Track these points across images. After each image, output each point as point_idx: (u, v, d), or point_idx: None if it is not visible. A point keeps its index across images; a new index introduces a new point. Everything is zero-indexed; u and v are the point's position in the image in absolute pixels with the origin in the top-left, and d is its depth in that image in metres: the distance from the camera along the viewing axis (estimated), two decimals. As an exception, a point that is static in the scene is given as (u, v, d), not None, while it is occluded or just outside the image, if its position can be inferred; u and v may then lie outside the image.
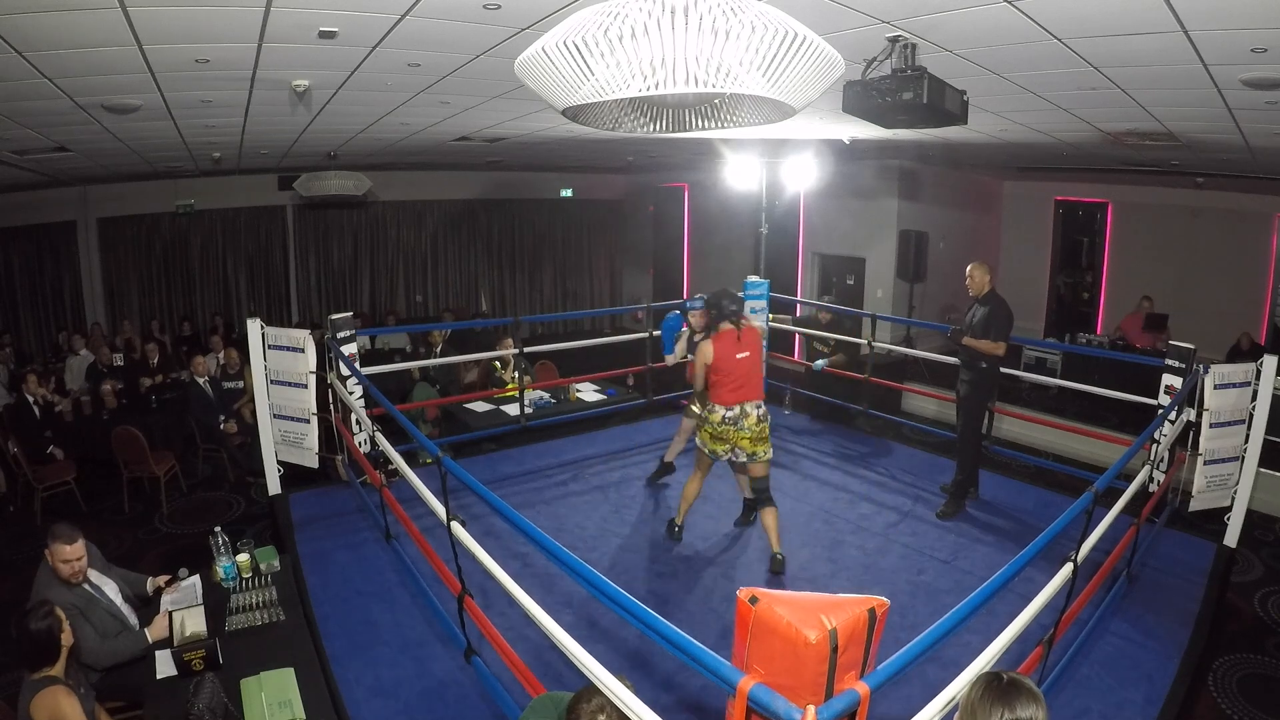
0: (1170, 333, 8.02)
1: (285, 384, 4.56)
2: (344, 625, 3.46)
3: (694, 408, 4.53)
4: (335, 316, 4.94)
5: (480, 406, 6.06)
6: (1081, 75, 3.60)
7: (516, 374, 6.09)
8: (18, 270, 9.26)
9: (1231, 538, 4.11)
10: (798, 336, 7.70)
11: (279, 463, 4.62)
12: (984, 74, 3.70)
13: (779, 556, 3.99)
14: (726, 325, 3.97)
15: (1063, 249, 10.67)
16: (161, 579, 3.37)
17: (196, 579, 3.29)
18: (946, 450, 5.51)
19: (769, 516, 4.03)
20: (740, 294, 4.41)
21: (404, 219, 11.88)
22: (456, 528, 2.74)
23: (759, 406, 3.99)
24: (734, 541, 4.36)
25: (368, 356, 7.90)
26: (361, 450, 4.59)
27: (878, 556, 4.22)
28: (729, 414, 3.96)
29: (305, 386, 4.53)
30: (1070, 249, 10.63)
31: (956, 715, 1.57)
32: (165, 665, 2.75)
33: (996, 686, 1.47)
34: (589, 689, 1.88)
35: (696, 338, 4.74)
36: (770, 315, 6.68)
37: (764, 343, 4.21)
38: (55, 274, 9.54)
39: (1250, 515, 4.28)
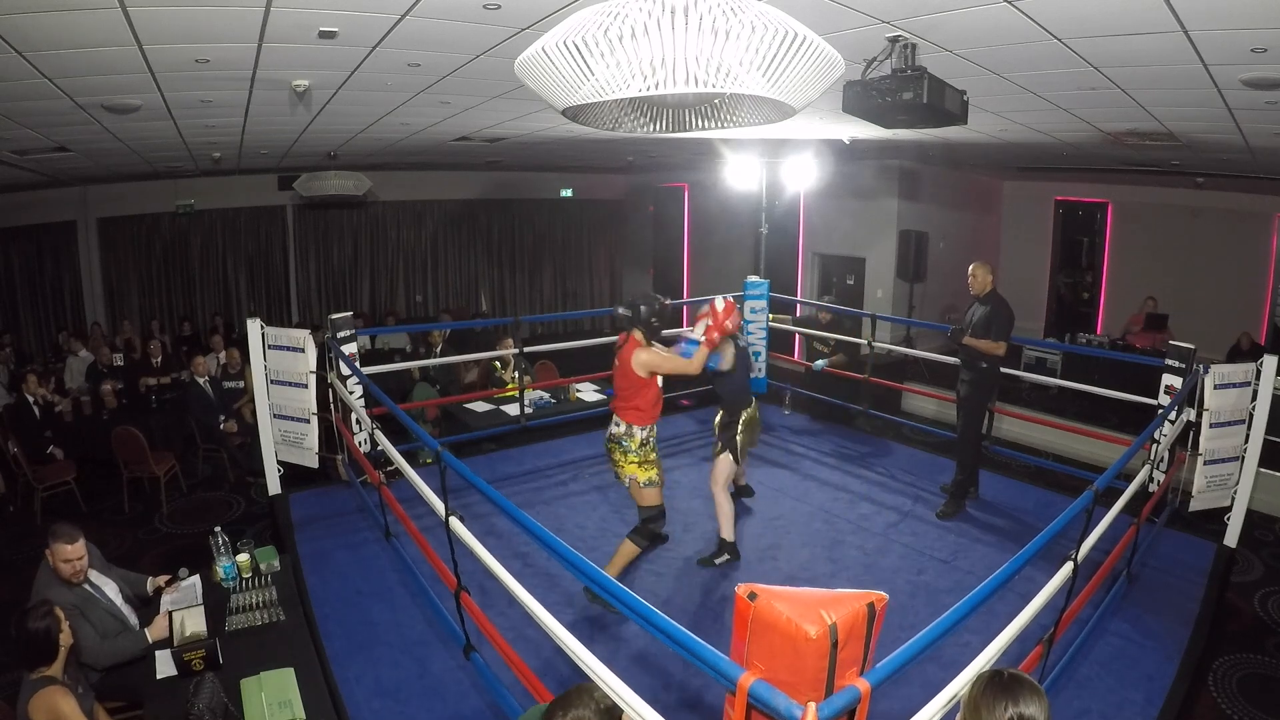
0: (1171, 333, 8.03)
1: (285, 384, 4.56)
2: (344, 625, 3.46)
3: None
4: (335, 316, 4.94)
5: (480, 406, 6.06)
6: (1081, 75, 3.60)
7: (516, 374, 6.09)
8: (18, 270, 9.27)
9: (1231, 538, 4.11)
10: (798, 336, 7.70)
11: (279, 463, 4.62)
12: (984, 74, 3.71)
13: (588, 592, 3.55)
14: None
15: (1063, 249, 10.67)
16: (161, 579, 3.37)
17: (196, 579, 3.29)
18: (946, 450, 5.51)
19: (624, 545, 3.62)
20: (657, 300, 3.68)
21: (404, 219, 11.88)
22: (455, 523, 2.74)
23: (616, 425, 3.60)
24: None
25: (368, 356, 7.89)
26: (361, 450, 4.59)
27: (878, 556, 4.21)
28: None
29: (305, 386, 4.53)
30: (1070, 249, 10.63)
31: (959, 715, 1.57)
32: (165, 665, 2.74)
33: (999, 682, 1.48)
34: (568, 696, 1.70)
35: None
36: (770, 315, 6.68)
37: (638, 361, 3.55)
38: (55, 274, 9.55)
39: (1250, 515, 4.28)
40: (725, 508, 4.07)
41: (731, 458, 4.07)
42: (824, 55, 1.56)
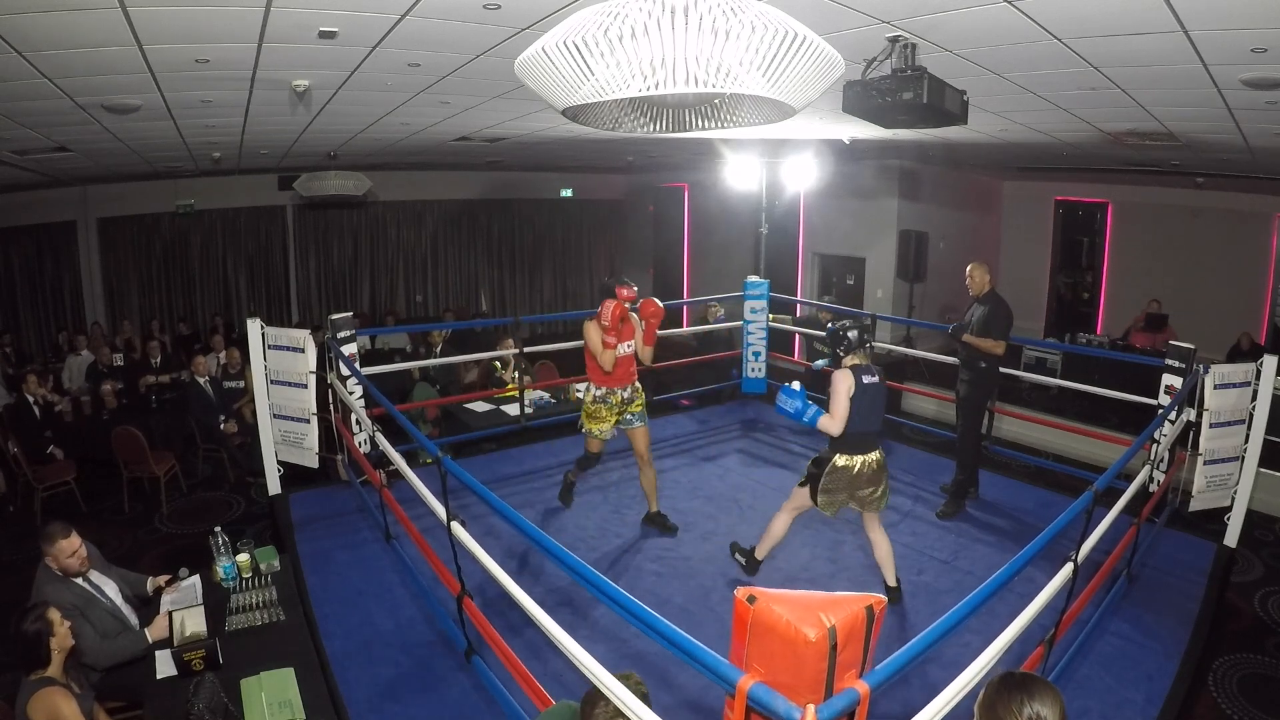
0: (1173, 331, 8.02)
1: (285, 384, 4.56)
2: (344, 625, 3.46)
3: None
4: (335, 316, 4.93)
5: (480, 406, 6.06)
6: (1081, 75, 3.60)
7: (516, 374, 6.09)
8: (18, 270, 9.27)
9: (1231, 538, 4.10)
10: (798, 336, 7.71)
11: (279, 463, 4.62)
12: (984, 74, 3.71)
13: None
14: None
15: (1063, 249, 10.68)
16: (161, 579, 3.38)
17: (196, 579, 3.29)
18: (946, 450, 5.51)
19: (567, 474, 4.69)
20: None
21: (404, 219, 11.88)
22: (456, 528, 2.74)
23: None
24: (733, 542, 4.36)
25: (368, 356, 7.90)
26: (361, 450, 4.59)
27: (878, 556, 4.21)
28: None
29: (305, 386, 4.53)
30: (1070, 249, 10.63)
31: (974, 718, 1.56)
32: (165, 665, 2.74)
33: (1012, 681, 1.48)
34: (599, 692, 1.88)
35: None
36: (770, 315, 6.68)
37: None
38: (55, 274, 9.55)
39: (1250, 515, 4.27)
40: (773, 532, 3.77)
41: (809, 494, 3.57)
42: (824, 55, 1.56)
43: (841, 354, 3.52)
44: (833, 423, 3.40)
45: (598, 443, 4.30)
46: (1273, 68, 3.15)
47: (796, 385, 3.50)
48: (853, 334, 3.48)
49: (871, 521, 3.66)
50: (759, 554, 3.89)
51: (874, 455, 3.51)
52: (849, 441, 3.47)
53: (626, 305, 4.05)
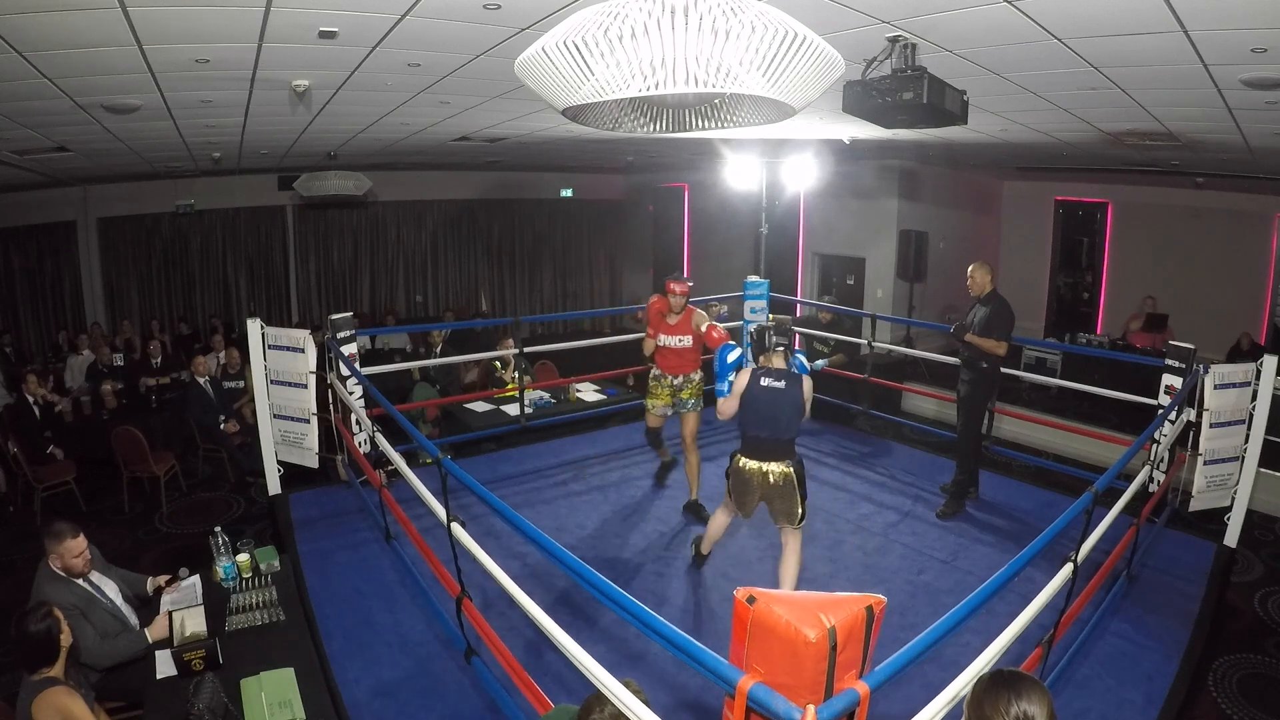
0: (1172, 332, 8.02)
1: (285, 384, 4.56)
2: (344, 625, 3.46)
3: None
4: (335, 316, 4.94)
5: (480, 406, 6.06)
6: (1081, 75, 3.60)
7: (516, 374, 6.09)
8: (18, 270, 9.27)
9: (1231, 538, 4.10)
10: (797, 336, 7.70)
11: (279, 463, 4.62)
12: (984, 74, 3.71)
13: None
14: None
15: (1063, 249, 10.66)
16: (161, 579, 3.37)
17: (196, 579, 3.29)
18: (946, 450, 5.51)
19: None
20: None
21: (404, 219, 11.88)
22: (456, 529, 2.74)
23: None
24: (733, 540, 4.36)
25: (368, 356, 7.89)
26: (361, 450, 4.59)
27: (878, 556, 4.21)
28: None
29: (305, 386, 4.53)
30: (1070, 249, 10.62)
31: (964, 716, 1.56)
32: (165, 665, 2.75)
33: (1001, 679, 1.48)
34: (599, 695, 1.88)
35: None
36: (770, 315, 6.68)
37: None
38: (55, 274, 9.55)
39: (1250, 515, 4.27)
40: (709, 528, 3.95)
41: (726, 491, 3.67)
42: (824, 55, 1.56)
43: (755, 352, 3.58)
44: (722, 406, 3.63)
45: (655, 418, 4.68)
46: (1273, 68, 3.15)
47: (735, 354, 3.67)
48: (763, 336, 3.52)
49: (787, 534, 3.55)
50: (704, 549, 4.04)
51: (777, 466, 3.42)
52: (747, 444, 3.49)
53: (680, 299, 4.40)
